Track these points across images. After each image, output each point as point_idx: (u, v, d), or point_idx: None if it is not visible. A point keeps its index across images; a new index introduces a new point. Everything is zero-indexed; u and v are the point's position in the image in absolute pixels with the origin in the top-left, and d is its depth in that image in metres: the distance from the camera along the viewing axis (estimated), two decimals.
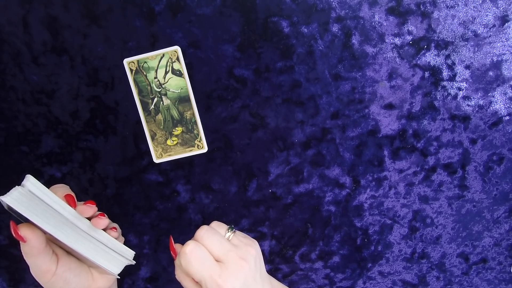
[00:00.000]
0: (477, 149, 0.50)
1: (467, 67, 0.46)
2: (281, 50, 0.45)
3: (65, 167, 0.49)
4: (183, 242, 0.38)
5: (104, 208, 0.50)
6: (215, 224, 0.41)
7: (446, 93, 0.47)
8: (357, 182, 0.51)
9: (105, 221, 0.38)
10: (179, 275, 0.40)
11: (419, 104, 0.48)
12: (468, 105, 0.48)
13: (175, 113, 0.47)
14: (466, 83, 0.47)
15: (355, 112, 0.48)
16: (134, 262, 0.41)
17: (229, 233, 0.40)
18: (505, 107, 0.48)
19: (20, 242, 0.35)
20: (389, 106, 0.48)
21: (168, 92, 0.46)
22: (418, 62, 0.46)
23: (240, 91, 0.47)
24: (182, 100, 0.46)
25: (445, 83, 0.47)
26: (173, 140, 0.48)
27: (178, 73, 0.45)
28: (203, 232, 0.38)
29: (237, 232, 0.42)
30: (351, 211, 0.52)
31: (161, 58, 0.45)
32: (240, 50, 0.45)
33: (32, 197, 0.35)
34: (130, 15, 0.43)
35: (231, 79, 0.46)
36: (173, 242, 0.41)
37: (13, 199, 0.33)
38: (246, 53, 0.45)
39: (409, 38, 0.45)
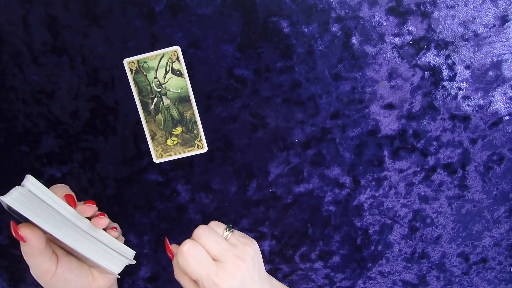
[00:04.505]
0: (477, 149, 0.50)
1: (467, 67, 0.46)
2: (281, 50, 0.45)
3: (65, 167, 0.49)
4: (183, 241, 0.38)
5: (104, 208, 0.50)
6: (214, 223, 0.41)
7: (446, 93, 0.47)
8: (357, 182, 0.51)
9: (105, 220, 0.38)
10: (177, 274, 0.40)
11: (419, 104, 0.48)
12: (468, 105, 0.48)
13: (175, 113, 0.47)
14: (466, 83, 0.47)
15: (355, 112, 0.48)
16: (134, 262, 0.41)
17: (227, 233, 0.40)
18: (505, 107, 0.48)
19: (20, 242, 0.35)
20: (389, 106, 0.48)
21: (168, 92, 0.46)
22: (418, 62, 0.46)
23: (240, 91, 0.47)
24: (182, 100, 0.46)
25: (445, 83, 0.47)
26: (173, 140, 0.48)
27: (178, 73, 0.45)
28: (200, 231, 0.38)
29: (236, 231, 0.42)
30: (351, 211, 0.52)
31: (161, 58, 0.45)
32: (240, 50, 0.45)
33: (32, 197, 0.35)
34: (130, 15, 0.43)
35: (231, 79, 0.46)
36: (168, 243, 0.41)
37: (13, 199, 0.33)
38: (246, 53, 0.45)
39: (409, 38, 0.45)
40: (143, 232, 0.52)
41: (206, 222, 0.43)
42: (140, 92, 0.46)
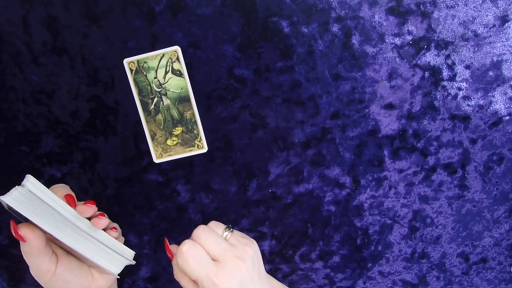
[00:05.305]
0: (477, 149, 0.50)
1: (467, 67, 0.46)
2: (281, 50, 0.45)
3: (65, 167, 0.49)
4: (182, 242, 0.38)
5: (104, 208, 0.50)
6: (213, 223, 0.41)
7: (446, 93, 0.47)
8: (357, 182, 0.51)
9: (105, 221, 0.38)
10: (177, 274, 0.40)
11: (419, 104, 0.48)
12: (468, 105, 0.48)
13: (175, 113, 0.47)
14: (466, 83, 0.47)
15: (355, 112, 0.48)
16: (134, 262, 0.41)
17: (226, 233, 0.40)
18: (505, 107, 0.48)
19: (20, 242, 0.35)
20: (389, 106, 0.48)
21: (168, 92, 0.46)
22: (418, 62, 0.46)
23: (240, 91, 0.47)
24: (182, 100, 0.46)
25: (445, 83, 0.47)
26: (173, 140, 0.48)
27: (178, 73, 0.45)
28: (200, 231, 0.38)
29: (235, 231, 0.42)
30: (351, 211, 0.52)
31: (161, 58, 0.45)
32: (240, 50, 0.45)
33: (32, 197, 0.35)
34: (130, 15, 0.43)
35: (231, 79, 0.46)
36: (168, 243, 0.41)
37: (13, 199, 0.33)
38: (246, 53, 0.45)
39: (409, 38, 0.45)
40: (143, 232, 0.52)
41: (206, 222, 0.43)
42: (140, 92, 0.46)
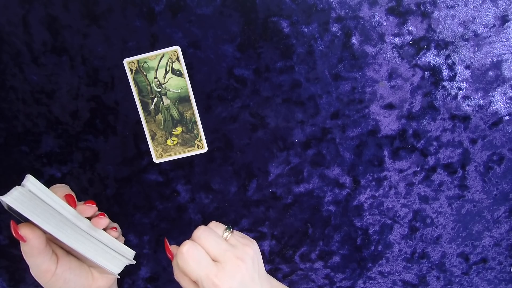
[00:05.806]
0: (477, 149, 0.50)
1: (467, 67, 0.46)
2: (281, 50, 0.45)
3: (65, 167, 0.49)
4: (182, 242, 0.38)
5: (104, 208, 0.50)
6: (213, 224, 0.41)
7: (446, 93, 0.47)
8: (357, 182, 0.51)
9: (105, 220, 0.38)
10: (177, 275, 0.40)
11: (419, 104, 0.48)
12: (468, 105, 0.48)
13: (175, 113, 0.47)
14: (466, 83, 0.47)
15: (355, 112, 0.48)
16: (134, 262, 0.41)
17: (226, 233, 0.40)
18: (505, 107, 0.48)
19: (20, 241, 0.35)
20: (389, 106, 0.48)
21: (168, 92, 0.46)
22: (418, 62, 0.46)
23: (240, 91, 0.47)
24: (182, 100, 0.46)
25: (445, 83, 0.47)
26: (173, 140, 0.48)
27: (178, 73, 0.45)
28: (200, 232, 0.38)
29: (235, 232, 0.42)
30: (351, 211, 0.52)
31: (161, 58, 0.45)
32: (240, 50, 0.45)
33: (32, 197, 0.35)
34: (130, 15, 0.43)
35: (231, 79, 0.46)
36: (168, 244, 0.41)
37: (13, 199, 0.33)
38: (246, 53, 0.45)
39: (409, 38, 0.45)
40: (143, 232, 0.52)
41: (206, 222, 0.43)
42: (140, 92, 0.46)
